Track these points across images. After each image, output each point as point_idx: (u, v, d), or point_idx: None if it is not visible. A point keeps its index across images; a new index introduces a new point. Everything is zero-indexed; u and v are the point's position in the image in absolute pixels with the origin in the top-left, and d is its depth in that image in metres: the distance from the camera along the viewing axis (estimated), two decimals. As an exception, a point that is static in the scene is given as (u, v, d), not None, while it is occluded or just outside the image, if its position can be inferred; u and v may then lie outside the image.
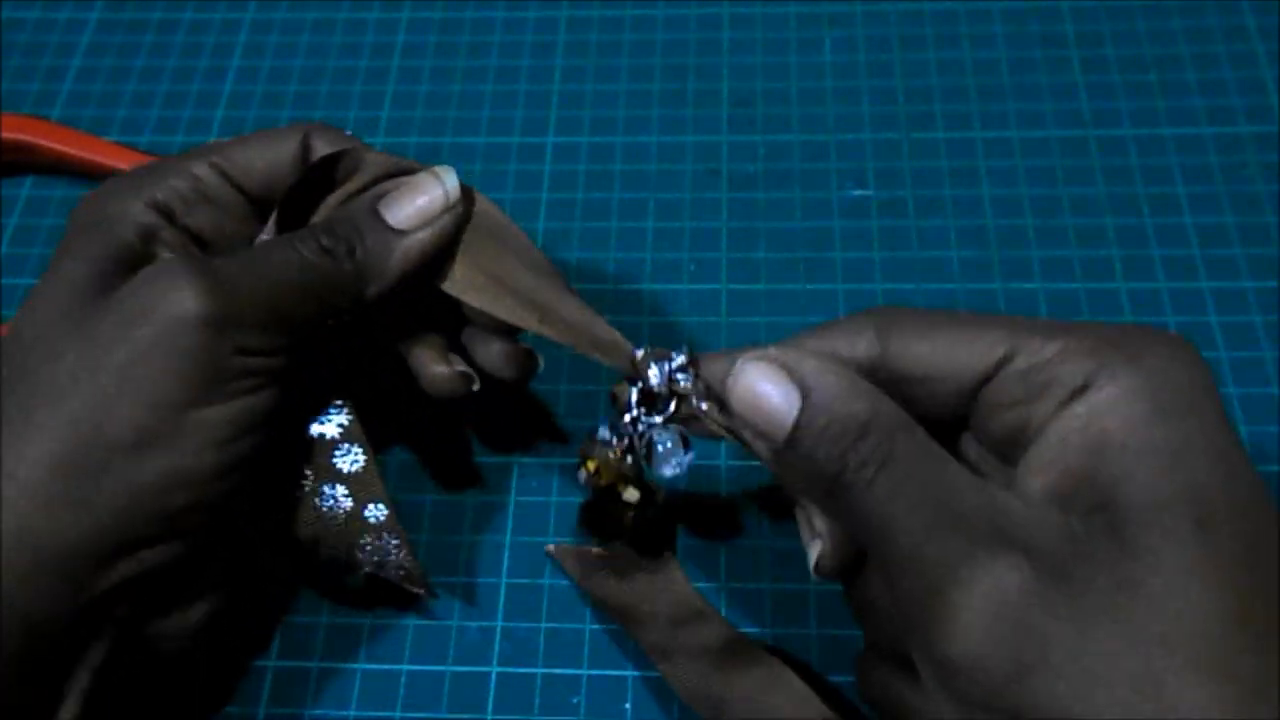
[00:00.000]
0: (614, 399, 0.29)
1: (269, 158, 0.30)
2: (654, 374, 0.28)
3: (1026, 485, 0.24)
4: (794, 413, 0.24)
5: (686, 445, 0.28)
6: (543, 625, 0.33)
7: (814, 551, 0.26)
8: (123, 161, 0.42)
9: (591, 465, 0.29)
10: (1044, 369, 0.24)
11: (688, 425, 0.28)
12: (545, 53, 0.46)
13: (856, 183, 0.41)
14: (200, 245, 0.29)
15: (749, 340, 0.38)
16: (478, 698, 0.32)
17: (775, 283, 0.39)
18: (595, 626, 0.33)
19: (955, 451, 0.26)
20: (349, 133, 0.32)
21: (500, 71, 0.45)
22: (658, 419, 0.28)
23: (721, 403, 0.26)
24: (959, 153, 0.42)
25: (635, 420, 0.28)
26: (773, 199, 0.41)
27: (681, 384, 0.28)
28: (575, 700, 0.32)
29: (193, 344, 0.25)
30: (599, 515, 0.32)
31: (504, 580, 0.34)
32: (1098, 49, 0.44)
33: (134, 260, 0.27)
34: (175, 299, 0.25)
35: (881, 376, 0.26)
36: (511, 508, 0.35)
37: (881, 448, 0.23)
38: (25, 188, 0.44)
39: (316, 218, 0.30)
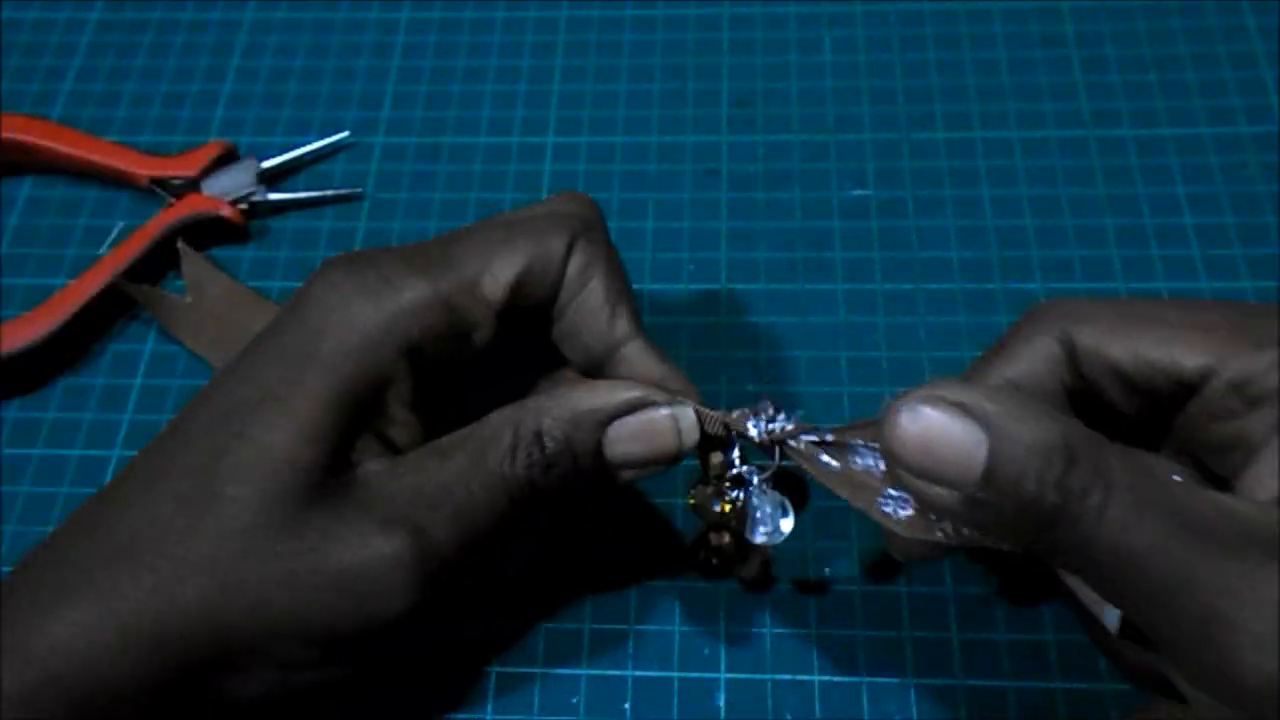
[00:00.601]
0: (696, 509, 0.30)
1: (535, 273, 0.28)
2: (751, 428, 0.27)
3: (1254, 495, 0.22)
4: (983, 449, 0.21)
5: (786, 510, 0.28)
6: (543, 625, 0.33)
7: (1116, 620, 0.24)
8: (123, 161, 0.42)
9: (691, 501, 0.30)
10: (1259, 381, 0.23)
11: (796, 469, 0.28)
12: (545, 53, 0.46)
13: (856, 183, 0.41)
14: (422, 356, 0.27)
15: (749, 341, 0.38)
16: (478, 698, 0.32)
17: (775, 283, 0.39)
18: (595, 626, 0.33)
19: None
20: (599, 229, 0.30)
21: (500, 71, 0.45)
22: (756, 478, 0.28)
23: (890, 458, 0.23)
24: (959, 153, 0.42)
25: (736, 479, 0.28)
26: (772, 199, 0.41)
27: (778, 429, 0.27)
28: (574, 700, 0.32)
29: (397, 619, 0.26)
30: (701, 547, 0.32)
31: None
32: (1098, 49, 0.44)
33: (363, 412, 0.26)
34: (388, 597, 0.25)
35: (1076, 391, 0.25)
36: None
37: (1099, 471, 0.21)
38: (25, 188, 0.44)
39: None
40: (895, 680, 0.31)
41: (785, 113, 0.43)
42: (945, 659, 0.31)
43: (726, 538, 0.30)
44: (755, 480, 0.28)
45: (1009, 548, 0.23)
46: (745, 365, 0.37)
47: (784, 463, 0.28)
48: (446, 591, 0.26)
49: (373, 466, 0.26)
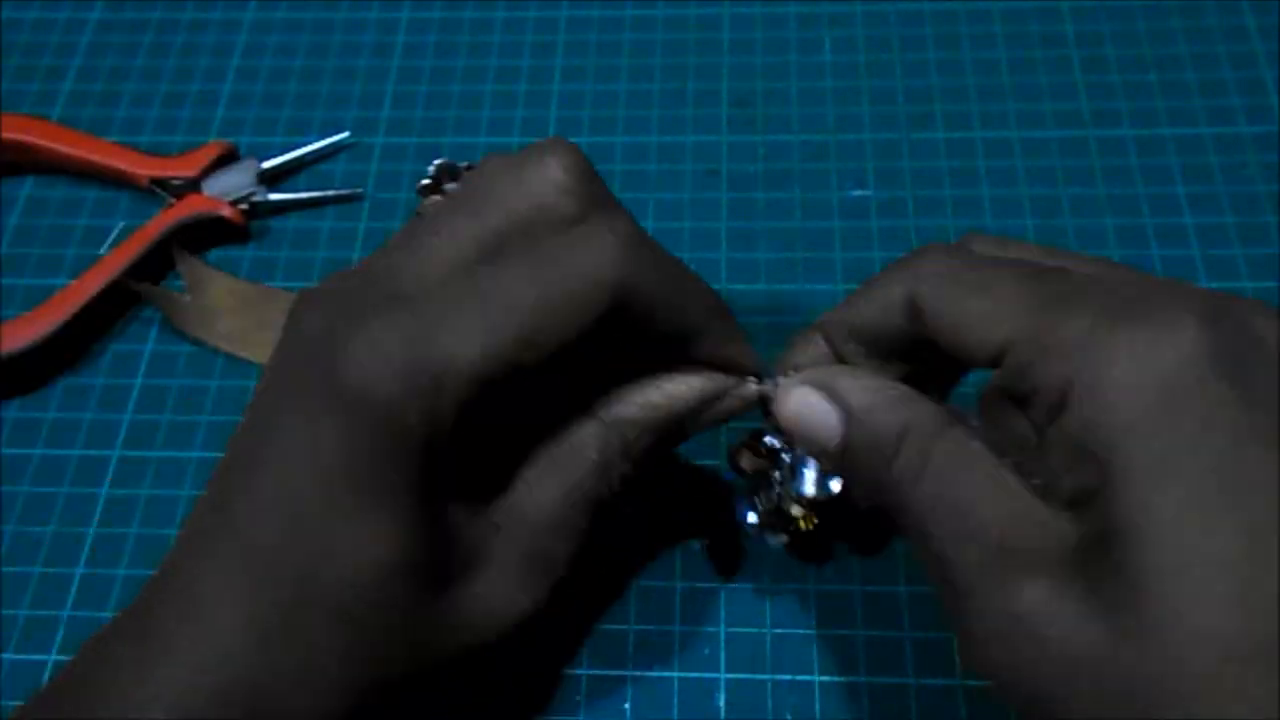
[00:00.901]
0: (740, 471, 0.31)
1: (580, 328, 0.25)
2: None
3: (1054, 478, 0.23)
4: (841, 429, 0.26)
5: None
6: (541, 626, 0.33)
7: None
8: (123, 162, 0.42)
9: (745, 462, 0.31)
10: (1029, 372, 0.23)
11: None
12: (545, 53, 0.46)
13: (856, 183, 0.41)
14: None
15: (750, 339, 0.37)
16: (478, 699, 0.32)
17: (775, 283, 0.39)
18: (595, 626, 0.33)
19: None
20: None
21: (500, 71, 0.45)
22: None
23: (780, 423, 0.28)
24: (959, 153, 0.42)
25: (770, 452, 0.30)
26: (772, 199, 0.41)
27: None
28: (575, 700, 0.32)
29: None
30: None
31: (504, 580, 0.34)
32: (1098, 49, 0.44)
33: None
34: (518, 622, 0.27)
35: (912, 334, 0.27)
36: (511, 508, 0.35)
37: (918, 457, 0.24)
38: (25, 188, 0.44)
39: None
40: (895, 680, 0.31)
41: (785, 113, 0.43)
42: (946, 659, 0.31)
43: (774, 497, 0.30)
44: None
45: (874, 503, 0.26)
46: (745, 365, 0.37)
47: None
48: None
49: (482, 531, 0.26)
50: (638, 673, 0.32)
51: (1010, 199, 0.40)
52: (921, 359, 0.27)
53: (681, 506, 0.34)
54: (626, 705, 0.31)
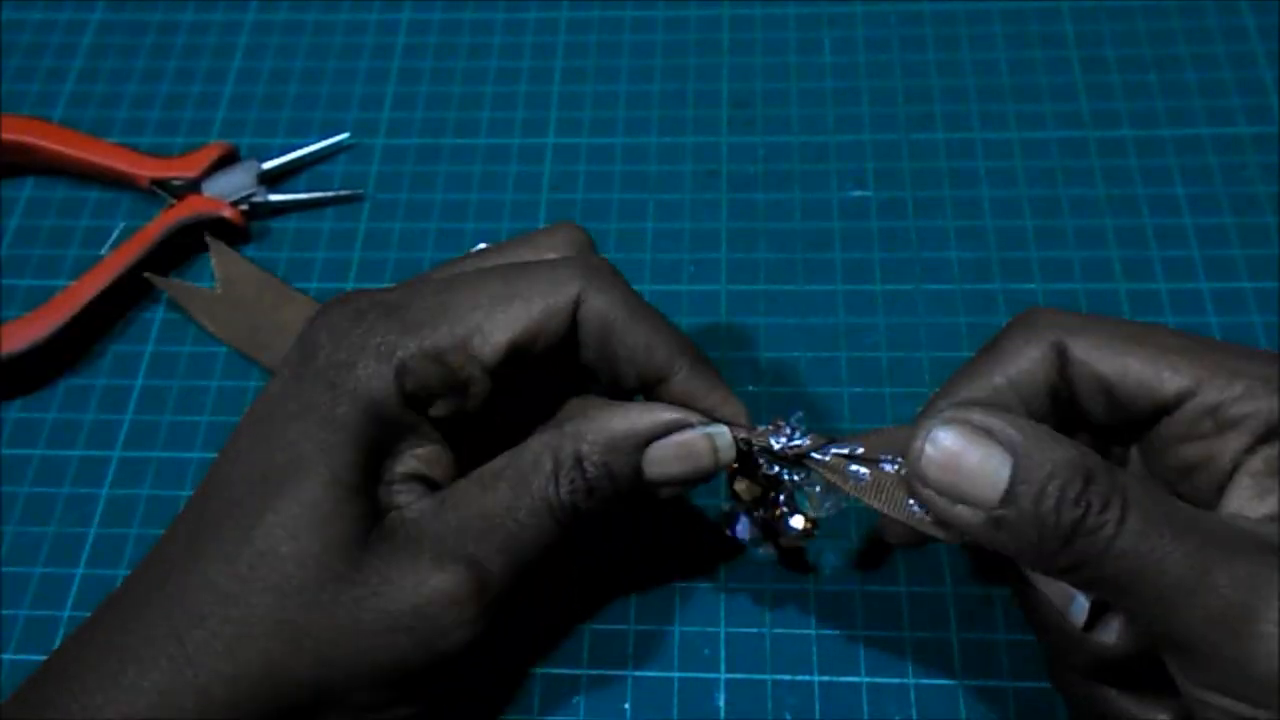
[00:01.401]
0: (737, 497, 0.30)
1: (536, 330, 0.27)
2: (773, 441, 0.28)
3: (1242, 513, 0.24)
4: (1006, 470, 0.23)
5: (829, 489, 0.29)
6: (542, 626, 0.33)
7: (1082, 614, 0.25)
8: (124, 163, 0.42)
9: (741, 487, 0.30)
10: (1232, 405, 0.24)
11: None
12: (545, 54, 0.46)
13: (856, 184, 0.41)
14: (422, 404, 0.28)
15: (748, 341, 0.38)
16: (479, 699, 0.32)
17: (775, 283, 0.39)
18: (596, 626, 0.33)
19: None
20: (605, 263, 0.29)
21: (500, 73, 0.45)
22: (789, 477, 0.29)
23: (916, 480, 0.24)
24: (958, 154, 0.42)
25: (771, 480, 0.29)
26: (772, 200, 0.41)
27: (802, 444, 0.28)
28: (575, 700, 0.32)
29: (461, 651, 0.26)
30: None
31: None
32: (1097, 50, 0.44)
33: (393, 460, 0.27)
34: (451, 631, 0.26)
35: (1063, 398, 0.26)
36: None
37: (1115, 486, 0.22)
38: (26, 189, 0.44)
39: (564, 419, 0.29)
40: (895, 680, 0.31)
41: (785, 114, 0.43)
42: (945, 659, 0.31)
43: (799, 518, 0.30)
44: (792, 476, 0.29)
45: (1026, 567, 0.25)
46: (745, 366, 0.37)
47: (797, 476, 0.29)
48: (502, 618, 0.27)
49: (419, 506, 0.27)
50: (638, 672, 0.32)
51: (1010, 200, 0.40)
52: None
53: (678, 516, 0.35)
54: (626, 705, 0.31)
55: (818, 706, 0.31)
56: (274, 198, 0.42)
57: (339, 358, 0.27)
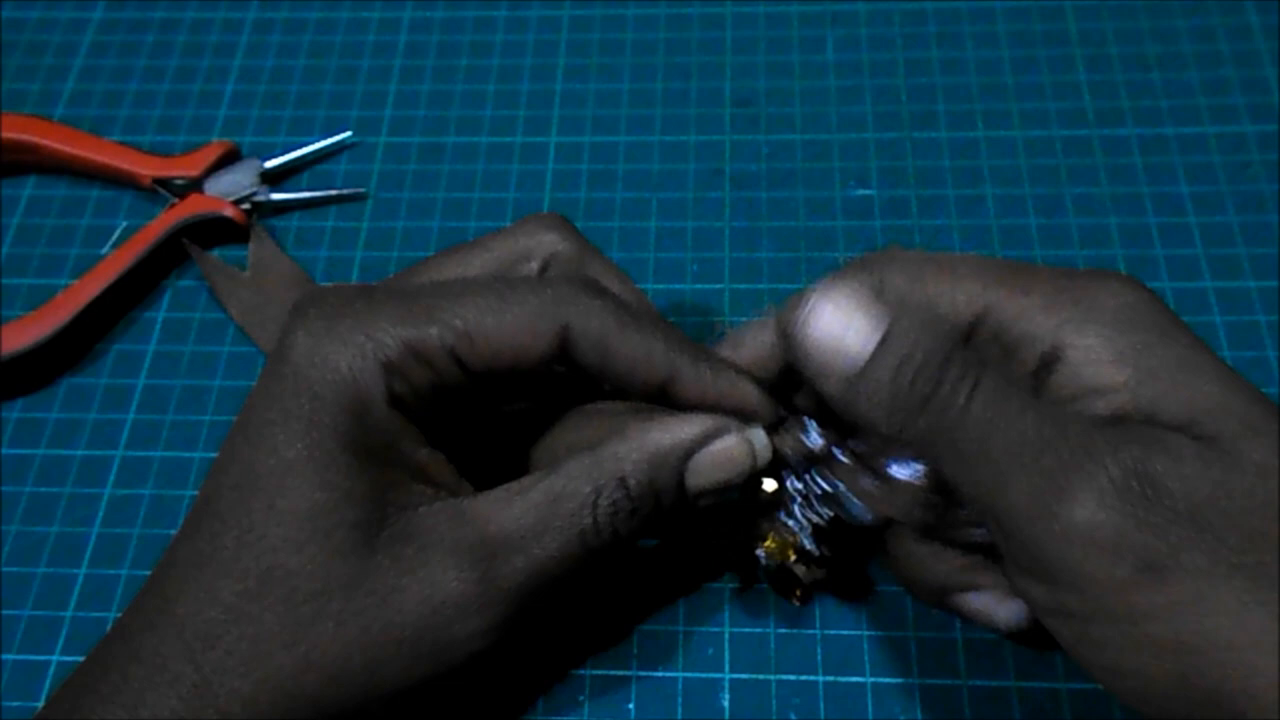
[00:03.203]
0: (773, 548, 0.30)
1: (515, 345, 0.27)
2: (806, 441, 0.28)
3: None
4: (877, 335, 0.24)
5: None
6: (545, 626, 0.33)
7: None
8: (125, 161, 0.42)
9: (771, 544, 0.29)
10: (1011, 329, 0.26)
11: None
12: (548, 51, 0.46)
13: (859, 182, 0.41)
14: (408, 408, 0.27)
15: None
16: (482, 699, 0.32)
17: (778, 282, 0.39)
18: (599, 626, 0.33)
19: None
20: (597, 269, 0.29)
21: (503, 71, 0.45)
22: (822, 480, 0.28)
23: (789, 342, 0.26)
24: (962, 152, 0.42)
25: (811, 484, 0.28)
26: (776, 198, 0.41)
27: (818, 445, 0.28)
28: (579, 700, 0.32)
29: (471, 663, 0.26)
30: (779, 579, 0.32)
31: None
32: (1101, 48, 0.44)
33: (388, 462, 0.26)
34: (461, 643, 0.25)
35: None
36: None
37: (972, 368, 0.23)
38: (27, 188, 0.44)
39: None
40: (900, 680, 0.31)
41: (788, 112, 0.43)
42: (950, 659, 0.31)
43: (801, 565, 0.30)
44: (815, 486, 0.29)
45: (881, 435, 0.25)
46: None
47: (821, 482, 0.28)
48: (520, 634, 0.27)
49: (431, 510, 0.26)
50: (642, 672, 0.32)
51: (1013, 198, 0.40)
52: None
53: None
54: (631, 705, 0.31)
55: (822, 706, 0.31)
56: (276, 196, 0.42)
57: (318, 357, 0.26)
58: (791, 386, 0.29)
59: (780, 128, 0.43)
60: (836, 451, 0.28)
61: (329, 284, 0.28)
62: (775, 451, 0.28)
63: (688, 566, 0.33)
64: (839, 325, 0.24)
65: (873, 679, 0.31)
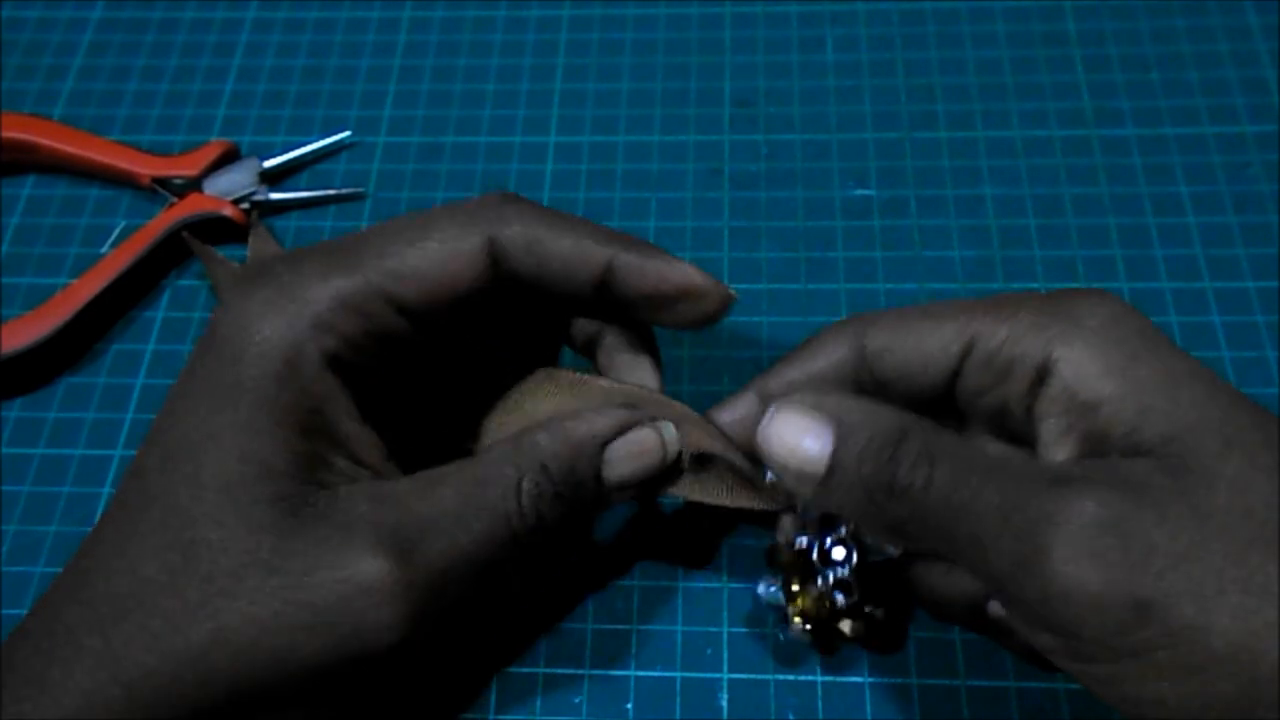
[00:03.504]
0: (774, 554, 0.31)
1: (446, 272, 0.27)
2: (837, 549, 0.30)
3: (1053, 459, 0.26)
4: (830, 439, 0.25)
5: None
6: (545, 626, 0.33)
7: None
8: (124, 161, 0.42)
9: (803, 604, 0.30)
10: (1000, 353, 0.26)
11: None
12: (547, 51, 0.46)
13: (858, 182, 0.41)
14: (346, 366, 0.27)
15: (751, 340, 0.38)
16: (481, 698, 0.32)
17: (777, 282, 0.39)
18: (597, 626, 0.33)
19: None
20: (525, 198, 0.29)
21: (502, 70, 0.45)
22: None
23: (761, 454, 0.27)
24: (961, 152, 0.42)
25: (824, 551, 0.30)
26: (775, 198, 0.41)
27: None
28: (577, 700, 0.32)
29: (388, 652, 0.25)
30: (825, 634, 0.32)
31: (506, 580, 0.34)
32: (1100, 48, 0.44)
33: (313, 434, 0.26)
34: (378, 630, 0.25)
35: (867, 384, 0.28)
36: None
37: (926, 445, 0.24)
38: (26, 187, 0.44)
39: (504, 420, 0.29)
40: (898, 680, 0.31)
41: (787, 112, 0.43)
42: (948, 659, 0.31)
43: (847, 621, 0.30)
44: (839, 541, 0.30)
45: (866, 525, 0.27)
46: (748, 365, 0.37)
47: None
48: (443, 627, 0.26)
49: (353, 490, 0.26)
50: (640, 672, 0.32)
51: (1012, 198, 0.40)
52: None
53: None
54: (629, 705, 0.31)
55: (820, 706, 0.31)
56: (275, 196, 0.42)
57: (243, 323, 0.25)
58: None
59: (779, 128, 0.43)
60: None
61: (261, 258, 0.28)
62: (794, 519, 0.30)
63: (686, 567, 0.33)
64: (792, 438, 0.25)
65: (871, 679, 0.31)
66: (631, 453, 0.28)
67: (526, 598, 0.33)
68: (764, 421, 0.26)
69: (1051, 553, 0.22)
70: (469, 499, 0.26)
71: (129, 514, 0.25)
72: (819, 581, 0.30)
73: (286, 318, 0.25)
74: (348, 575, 0.24)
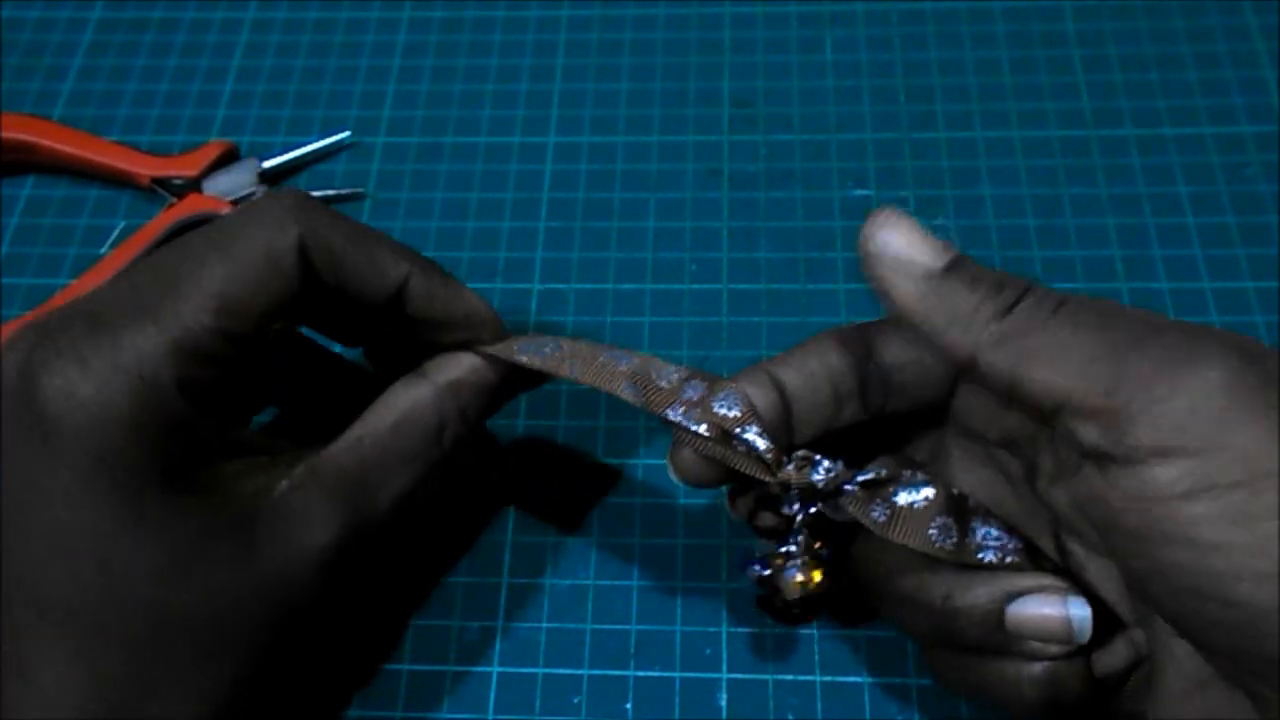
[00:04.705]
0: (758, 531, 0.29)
1: (259, 292, 0.26)
2: (813, 476, 0.27)
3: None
4: (949, 253, 0.25)
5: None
6: (544, 625, 0.33)
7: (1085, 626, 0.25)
8: (124, 161, 0.42)
9: (804, 577, 0.29)
10: (1083, 430, 0.23)
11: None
12: (546, 52, 0.46)
13: (858, 182, 0.41)
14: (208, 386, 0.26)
15: (750, 340, 0.38)
16: (479, 698, 0.32)
17: (776, 283, 0.39)
18: (596, 626, 0.33)
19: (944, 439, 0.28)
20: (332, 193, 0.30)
21: (501, 71, 0.45)
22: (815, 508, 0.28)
23: (864, 249, 0.26)
24: (960, 152, 0.42)
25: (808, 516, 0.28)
26: (774, 199, 0.41)
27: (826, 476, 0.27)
28: (576, 700, 0.32)
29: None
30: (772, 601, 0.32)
31: (505, 580, 0.34)
32: (1099, 48, 0.44)
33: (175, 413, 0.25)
34: (311, 544, 0.26)
35: (874, 374, 0.28)
36: (512, 509, 0.35)
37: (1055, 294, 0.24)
38: (26, 187, 0.44)
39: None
40: (897, 680, 0.31)
41: (787, 112, 0.43)
42: (947, 659, 0.31)
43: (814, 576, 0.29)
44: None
45: (949, 357, 0.25)
46: (747, 365, 0.37)
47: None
48: (372, 558, 0.28)
49: (293, 482, 0.26)
50: (639, 672, 0.32)
51: (1012, 199, 0.40)
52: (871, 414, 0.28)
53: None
54: (628, 705, 0.31)
55: (819, 706, 0.31)
56: (275, 196, 0.42)
57: (50, 395, 0.23)
58: (792, 434, 0.28)
59: (778, 128, 0.43)
60: (847, 487, 0.27)
61: (43, 315, 0.25)
62: (784, 486, 0.27)
63: (687, 566, 0.33)
64: (916, 235, 0.25)
65: (870, 679, 0.31)
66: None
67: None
68: (871, 224, 0.26)
69: (1205, 357, 0.22)
70: (391, 450, 0.28)
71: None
72: (799, 539, 0.28)
73: (121, 379, 0.24)
74: (292, 525, 0.26)
